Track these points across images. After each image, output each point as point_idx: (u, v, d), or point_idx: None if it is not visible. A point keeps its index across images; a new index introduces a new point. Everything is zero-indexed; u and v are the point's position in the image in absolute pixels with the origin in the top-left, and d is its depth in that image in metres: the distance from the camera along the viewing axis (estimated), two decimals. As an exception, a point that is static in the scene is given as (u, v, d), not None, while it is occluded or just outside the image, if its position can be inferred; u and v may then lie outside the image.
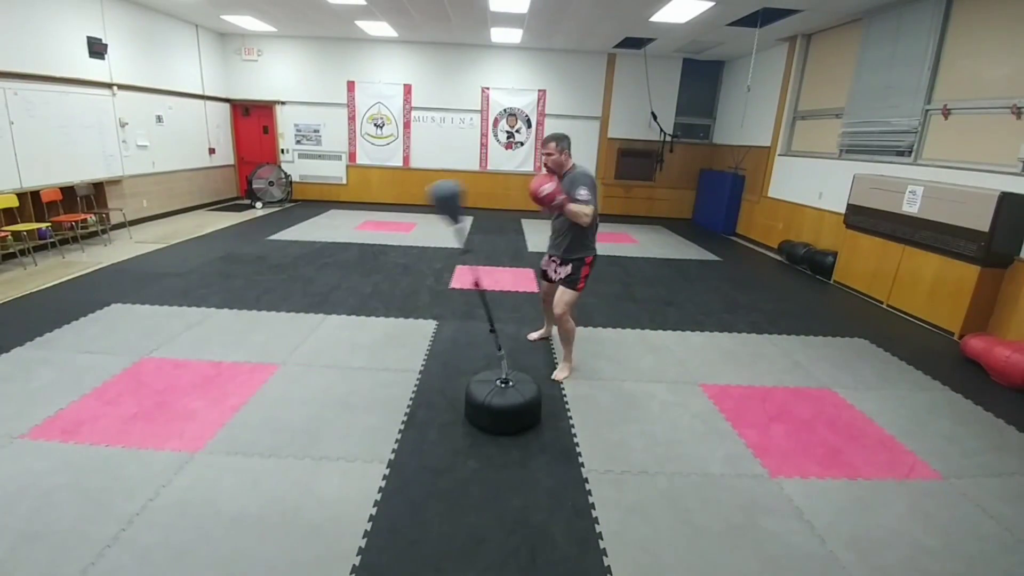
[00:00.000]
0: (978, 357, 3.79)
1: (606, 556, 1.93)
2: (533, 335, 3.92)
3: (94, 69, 6.47)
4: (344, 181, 10.29)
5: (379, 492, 2.21)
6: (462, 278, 5.41)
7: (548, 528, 2.06)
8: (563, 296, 3.18)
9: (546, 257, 3.37)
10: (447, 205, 2.67)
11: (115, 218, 6.80)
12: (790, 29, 7.02)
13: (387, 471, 2.35)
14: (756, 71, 7.93)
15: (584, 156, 10.11)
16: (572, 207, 2.90)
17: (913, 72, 5.38)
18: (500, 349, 2.84)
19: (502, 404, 2.65)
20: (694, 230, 9.32)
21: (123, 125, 6.96)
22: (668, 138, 9.89)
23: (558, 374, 3.33)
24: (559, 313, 3.19)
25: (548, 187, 2.86)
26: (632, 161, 10.17)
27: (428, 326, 4.08)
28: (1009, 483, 2.49)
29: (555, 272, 3.28)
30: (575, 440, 2.66)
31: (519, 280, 5.49)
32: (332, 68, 9.70)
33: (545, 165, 3.09)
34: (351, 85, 9.78)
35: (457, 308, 4.50)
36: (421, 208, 9.95)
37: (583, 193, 2.91)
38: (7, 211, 5.33)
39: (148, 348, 3.45)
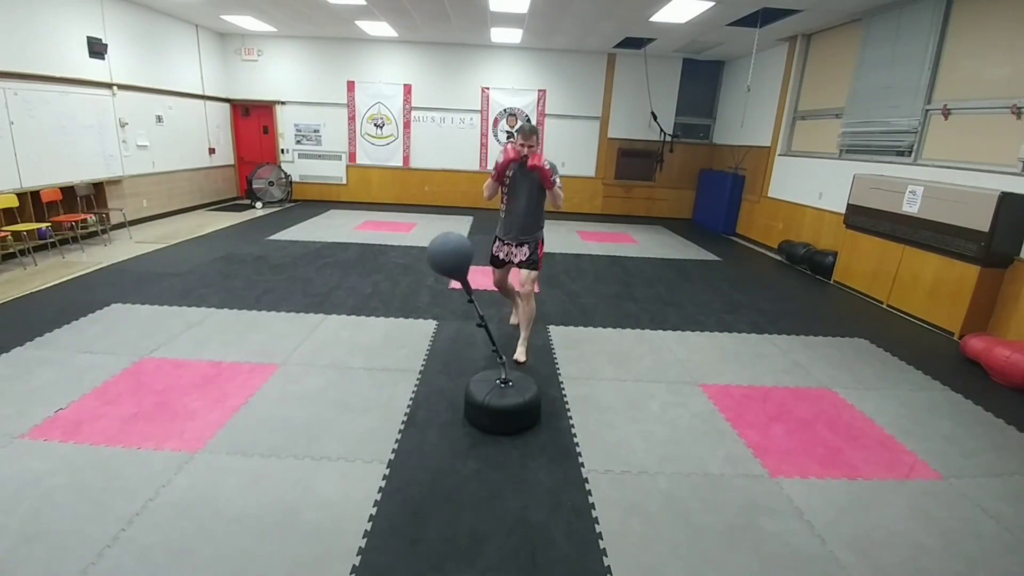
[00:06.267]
0: (978, 357, 3.79)
1: (606, 556, 1.93)
2: (514, 319, 4.02)
3: (94, 69, 6.47)
4: (344, 181, 10.29)
5: (379, 492, 2.21)
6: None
7: (548, 528, 2.06)
8: (530, 276, 3.44)
9: (497, 243, 3.52)
10: (450, 268, 2.78)
11: (115, 218, 6.80)
12: (790, 29, 7.02)
13: (387, 471, 2.35)
14: (756, 71, 7.93)
15: (584, 156, 10.13)
16: (559, 191, 3.30)
17: (913, 72, 5.38)
18: (501, 358, 2.85)
19: (501, 404, 2.65)
20: (694, 230, 9.32)
21: (123, 125, 6.96)
22: (668, 138, 9.89)
23: (520, 356, 3.49)
24: (528, 292, 3.43)
25: (547, 164, 3.22)
26: (632, 161, 10.17)
27: (428, 326, 4.08)
28: (1009, 483, 2.49)
29: (511, 255, 3.47)
30: (575, 440, 2.66)
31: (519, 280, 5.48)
32: (332, 68, 9.70)
33: (524, 156, 3.26)
34: (351, 85, 9.78)
35: (457, 308, 4.50)
36: (421, 208, 9.96)
37: (559, 180, 3.30)
38: (7, 211, 5.33)
39: (148, 348, 3.45)
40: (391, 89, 9.78)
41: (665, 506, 2.22)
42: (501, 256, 3.51)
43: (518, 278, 3.52)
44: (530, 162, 3.18)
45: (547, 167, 3.21)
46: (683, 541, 2.03)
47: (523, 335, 3.53)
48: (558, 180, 3.27)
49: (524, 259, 3.44)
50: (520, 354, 3.49)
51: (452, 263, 2.71)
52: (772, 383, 3.41)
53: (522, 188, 3.34)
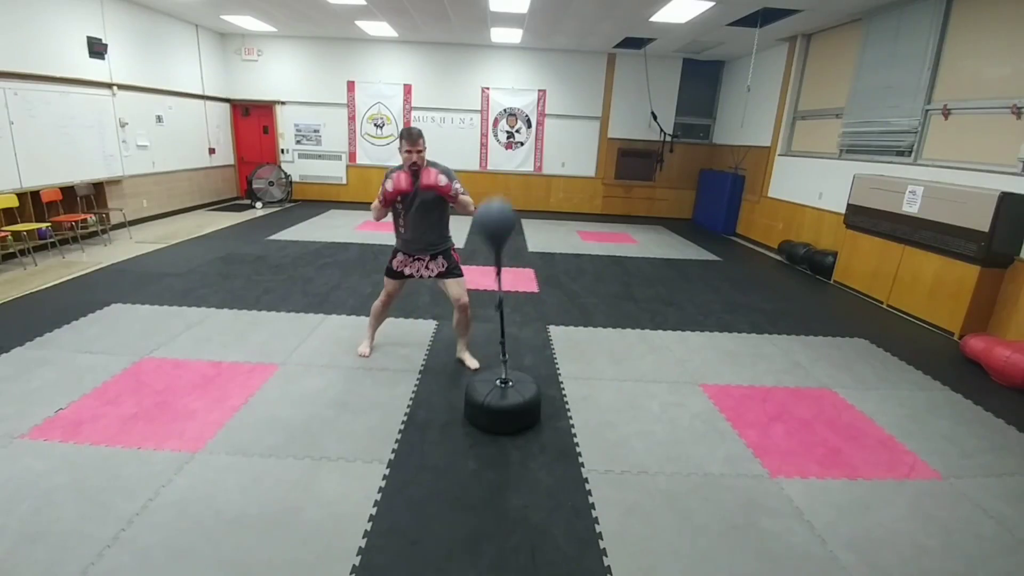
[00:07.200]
0: (978, 357, 3.78)
1: (606, 556, 1.93)
2: (365, 349, 3.51)
3: (94, 69, 6.47)
4: (344, 181, 10.29)
5: (379, 492, 2.21)
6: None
7: (548, 528, 2.06)
8: (462, 283, 3.23)
9: (401, 256, 3.20)
10: (496, 236, 2.69)
11: (115, 218, 6.80)
12: (790, 29, 7.02)
13: (387, 471, 2.35)
14: (756, 71, 7.93)
15: (584, 156, 10.14)
16: (464, 198, 3.00)
17: (913, 72, 5.38)
18: (505, 357, 2.84)
19: (502, 404, 2.65)
20: (694, 230, 9.32)
21: (123, 125, 6.96)
22: (668, 138, 9.89)
23: (472, 363, 3.37)
24: (465, 303, 3.21)
25: (444, 179, 2.89)
26: (632, 161, 10.17)
27: (428, 326, 4.08)
28: (1009, 483, 2.49)
29: (423, 270, 3.19)
30: (575, 440, 2.66)
31: (519, 280, 5.49)
32: (332, 68, 9.70)
33: (413, 163, 2.92)
34: (351, 85, 9.78)
35: (457, 308, 4.50)
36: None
37: (460, 187, 2.99)
38: (7, 211, 5.32)
39: (148, 348, 3.45)
40: (391, 89, 9.79)
41: (665, 506, 2.22)
42: (405, 271, 3.21)
43: (450, 291, 3.23)
44: (423, 182, 2.86)
45: (441, 181, 2.87)
46: (683, 541, 2.03)
47: (463, 344, 3.42)
48: (458, 186, 2.95)
49: (444, 270, 3.19)
50: (471, 360, 3.39)
51: (496, 227, 2.69)
52: (772, 383, 3.41)
53: (420, 204, 3.03)
